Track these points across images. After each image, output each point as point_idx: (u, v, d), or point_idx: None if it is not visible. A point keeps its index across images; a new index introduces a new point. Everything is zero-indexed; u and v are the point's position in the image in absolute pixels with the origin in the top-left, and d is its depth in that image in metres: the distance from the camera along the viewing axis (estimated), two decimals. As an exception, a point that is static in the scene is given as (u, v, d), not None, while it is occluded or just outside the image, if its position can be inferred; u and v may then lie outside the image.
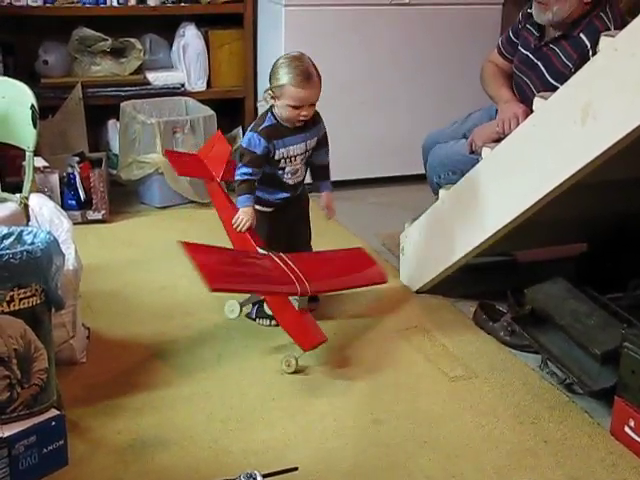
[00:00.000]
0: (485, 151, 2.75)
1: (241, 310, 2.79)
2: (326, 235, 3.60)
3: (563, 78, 2.54)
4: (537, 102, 2.47)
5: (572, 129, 2.25)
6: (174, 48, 4.29)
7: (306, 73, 2.61)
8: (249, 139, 2.69)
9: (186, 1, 4.15)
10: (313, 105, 2.67)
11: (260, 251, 2.71)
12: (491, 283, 3.12)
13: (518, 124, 2.76)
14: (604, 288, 2.67)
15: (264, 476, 1.83)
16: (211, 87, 4.31)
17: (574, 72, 2.36)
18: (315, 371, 2.58)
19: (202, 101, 4.13)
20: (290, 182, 2.79)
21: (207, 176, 3.04)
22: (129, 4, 4.05)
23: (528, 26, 3.04)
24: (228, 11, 4.24)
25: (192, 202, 3.96)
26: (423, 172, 3.36)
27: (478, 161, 2.77)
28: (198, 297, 2.91)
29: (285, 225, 2.85)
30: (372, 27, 4.09)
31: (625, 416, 2.25)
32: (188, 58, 4.21)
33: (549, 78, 2.90)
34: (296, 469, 1.97)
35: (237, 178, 2.71)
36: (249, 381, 2.52)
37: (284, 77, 2.61)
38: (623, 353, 2.27)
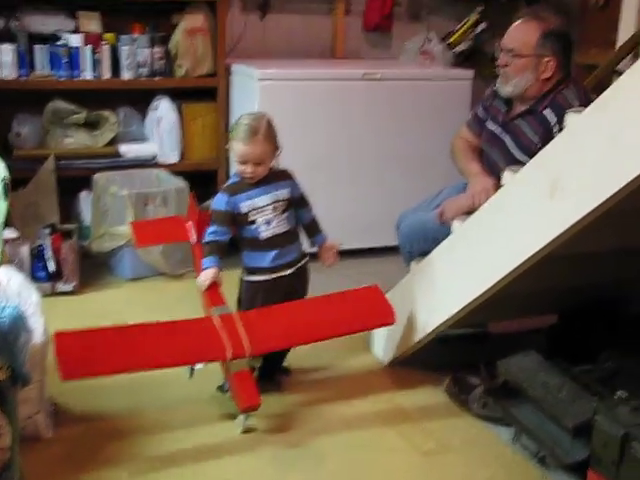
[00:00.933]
0: (455, 224, 2.77)
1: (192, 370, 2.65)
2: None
3: (530, 153, 2.59)
4: (506, 176, 2.50)
5: (541, 203, 2.28)
6: (148, 121, 4.32)
7: (251, 130, 2.65)
8: (215, 198, 2.76)
9: (160, 75, 4.18)
10: (259, 164, 2.69)
11: (213, 312, 2.66)
12: (463, 355, 3.11)
13: (488, 197, 2.79)
14: (575, 360, 2.67)
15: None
16: (184, 159, 4.33)
17: (540, 147, 2.41)
18: (285, 446, 2.54)
19: (175, 173, 4.14)
20: (268, 234, 2.75)
21: (179, 239, 3.14)
22: (103, 78, 4.08)
23: (496, 102, 3.10)
24: (202, 85, 4.29)
25: (163, 274, 3.94)
26: (396, 244, 3.38)
27: (450, 229, 2.80)
28: (171, 371, 2.87)
29: (279, 299, 2.78)
30: (345, 101, 4.16)
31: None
32: (161, 131, 4.24)
33: (516, 153, 2.95)
34: None
35: (204, 241, 2.76)
36: (225, 464, 2.48)
37: (233, 132, 2.71)
38: (595, 426, 2.26)
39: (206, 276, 2.70)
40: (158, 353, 2.51)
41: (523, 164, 2.47)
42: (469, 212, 2.79)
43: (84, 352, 2.45)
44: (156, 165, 4.23)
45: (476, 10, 4.95)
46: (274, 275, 2.78)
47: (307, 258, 2.90)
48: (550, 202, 2.24)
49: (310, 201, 2.89)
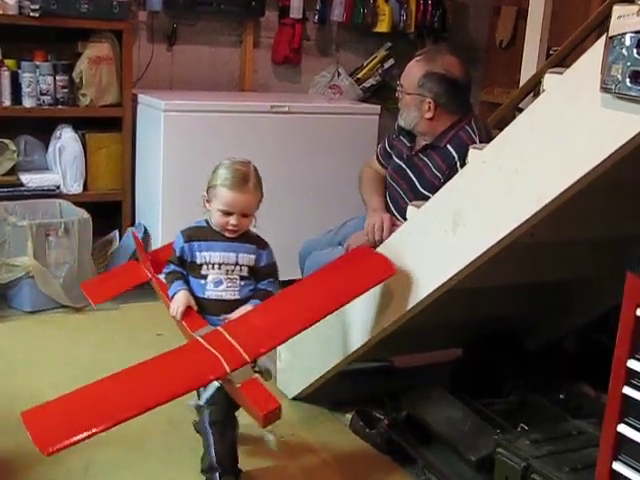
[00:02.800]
0: (360, 258, 2.77)
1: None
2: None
3: (433, 188, 2.62)
4: (410, 211, 2.52)
5: (444, 237, 2.30)
6: (50, 150, 4.21)
7: (242, 177, 2.39)
8: (176, 237, 2.49)
9: (63, 104, 4.09)
10: (246, 216, 2.41)
11: (200, 332, 2.29)
12: (368, 389, 3.10)
13: (383, 230, 2.84)
14: (479, 393, 2.69)
15: None
16: (88, 190, 4.23)
17: (444, 182, 2.44)
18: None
19: (78, 204, 4.05)
20: (212, 295, 2.42)
21: (137, 282, 2.85)
22: (3, 105, 3.97)
23: (401, 137, 3.14)
24: (107, 115, 4.21)
25: (64, 307, 3.82)
26: (300, 278, 3.36)
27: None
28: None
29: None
30: (252, 133, 4.13)
31: None
32: (64, 160, 4.14)
33: (420, 188, 2.99)
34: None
35: (164, 272, 2.50)
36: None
37: (218, 178, 2.41)
38: (497, 459, 2.28)
39: (177, 302, 2.38)
40: (150, 392, 2.11)
41: (427, 199, 2.50)
42: (373, 247, 2.81)
43: (61, 419, 2.04)
44: (59, 195, 4.13)
45: (384, 46, 5.03)
46: None
47: None
48: (452, 237, 2.27)
49: (276, 278, 2.53)
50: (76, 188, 4.19)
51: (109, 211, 4.26)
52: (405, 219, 2.57)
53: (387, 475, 2.61)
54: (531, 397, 2.71)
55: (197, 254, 2.43)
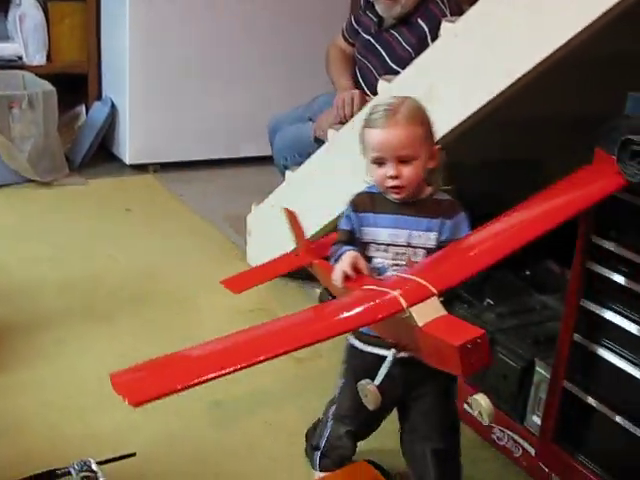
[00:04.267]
0: (330, 133, 2.75)
1: None
2: (171, 219, 3.55)
3: (404, 63, 2.58)
4: (381, 85, 2.48)
5: (415, 111, 2.28)
6: (10, 18, 4.08)
7: (389, 110, 1.72)
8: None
9: (24, -31, 3.94)
10: (406, 162, 1.71)
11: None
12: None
13: (354, 105, 2.80)
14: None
15: (100, 463, 1.76)
16: (51, 61, 4.12)
17: (414, 57, 2.40)
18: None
19: (42, 76, 3.94)
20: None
21: (289, 268, 2.38)
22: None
23: (368, 12, 3.06)
24: (70, -17, 4.06)
25: (31, 181, 3.78)
26: (271, 154, 3.34)
27: (324, 143, 2.78)
28: (37, 279, 2.78)
29: (395, 394, 1.77)
30: (221, 2, 4.02)
31: (466, 395, 2.31)
32: (25, 29, 4.00)
33: (391, 63, 2.94)
34: (134, 454, 1.90)
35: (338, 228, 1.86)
36: (89, 365, 2.43)
37: (364, 120, 1.79)
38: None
39: (341, 263, 1.70)
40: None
41: (398, 74, 2.46)
42: (342, 124, 2.78)
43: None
44: (21, 67, 4.01)
45: None
46: (373, 350, 1.76)
47: None
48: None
49: None
50: (39, 59, 4.07)
51: (75, 85, 4.16)
52: (376, 94, 2.54)
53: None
54: (497, 273, 2.74)
55: (364, 229, 1.78)
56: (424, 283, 1.50)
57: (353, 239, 1.76)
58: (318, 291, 2.94)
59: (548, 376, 2.03)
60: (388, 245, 1.75)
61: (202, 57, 4.06)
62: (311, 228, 2.82)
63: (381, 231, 1.76)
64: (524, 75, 1.96)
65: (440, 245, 1.71)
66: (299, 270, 2.29)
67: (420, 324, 1.46)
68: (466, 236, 1.72)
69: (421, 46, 2.54)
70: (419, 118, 1.74)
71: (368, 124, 1.75)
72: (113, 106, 4.10)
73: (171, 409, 2.23)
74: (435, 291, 1.49)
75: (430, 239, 1.73)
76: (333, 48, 3.23)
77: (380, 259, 1.75)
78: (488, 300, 2.50)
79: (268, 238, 3.04)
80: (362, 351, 1.79)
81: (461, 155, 2.36)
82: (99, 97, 4.21)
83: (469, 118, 2.14)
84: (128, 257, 3.17)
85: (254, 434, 2.18)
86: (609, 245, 1.80)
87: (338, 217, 2.67)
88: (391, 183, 1.72)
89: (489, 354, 1.47)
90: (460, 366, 1.42)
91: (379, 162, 1.73)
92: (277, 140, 3.23)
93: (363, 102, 2.83)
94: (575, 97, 2.26)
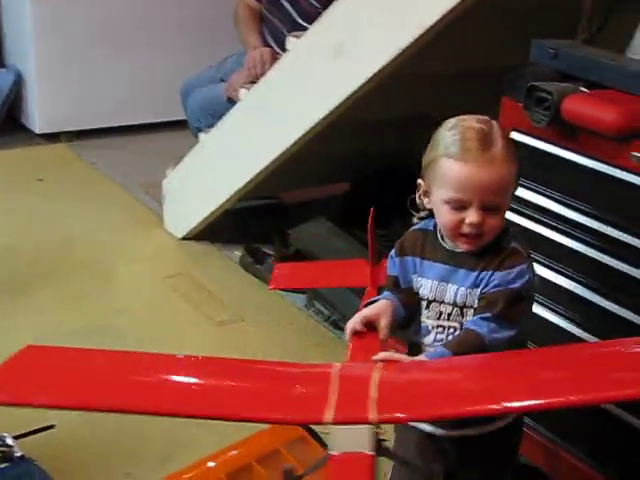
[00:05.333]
0: (242, 92, 2.71)
1: None
2: (86, 187, 3.48)
3: (311, 18, 2.55)
4: (289, 42, 2.45)
5: (325, 67, 2.27)
6: None
7: (481, 138, 1.32)
8: None
9: None
10: (494, 212, 1.33)
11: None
12: (257, 226, 3.10)
13: (265, 67, 2.76)
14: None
15: (16, 437, 1.71)
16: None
17: (322, 12, 2.38)
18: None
19: None
20: (425, 343, 1.43)
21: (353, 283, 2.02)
22: None
23: None
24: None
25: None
26: (185, 118, 3.28)
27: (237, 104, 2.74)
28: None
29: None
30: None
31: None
32: None
33: (298, 19, 2.91)
34: (53, 427, 1.86)
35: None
36: (5, 340, 2.37)
37: (440, 145, 1.37)
38: (382, 286, 2.33)
39: (356, 316, 1.41)
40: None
41: (306, 30, 2.44)
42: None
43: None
44: None
45: None
46: (426, 428, 1.45)
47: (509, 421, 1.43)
48: (334, 65, 2.23)
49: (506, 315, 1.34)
50: None
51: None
52: (285, 51, 2.51)
53: (278, 309, 2.65)
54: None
55: (413, 277, 1.43)
56: (370, 401, 1.13)
57: (399, 287, 1.44)
58: (238, 254, 2.92)
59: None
60: (432, 302, 1.40)
61: (112, 21, 3.94)
62: (225, 190, 2.80)
63: (425, 282, 1.41)
64: (434, 24, 1.96)
65: (480, 298, 1.35)
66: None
67: (330, 451, 1.10)
68: (492, 356, 1.30)
69: (328, 1, 2.51)
70: (513, 152, 1.35)
71: (448, 153, 1.33)
72: (18, 74, 3.96)
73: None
74: (373, 419, 1.11)
75: (478, 296, 1.36)
76: (241, 5, 3.17)
77: (424, 317, 1.42)
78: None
79: (185, 202, 3.00)
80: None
81: (370, 113, 2.37)
82: (2, 65, 4.05)
83: (379, 72, 2.12)
84: (43, 228, 3.09)
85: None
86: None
87: (254, 178, 2.67)
88: (470, 231, 1.33)
89: None
90: None
91: (457, 204, 1.33)
92: (190, 103, 3.17)
93: (273, 60, 2.79)
94: (483, 49, 2.27)
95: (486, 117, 1.36)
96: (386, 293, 1.44)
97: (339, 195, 3.21)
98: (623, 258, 1.56)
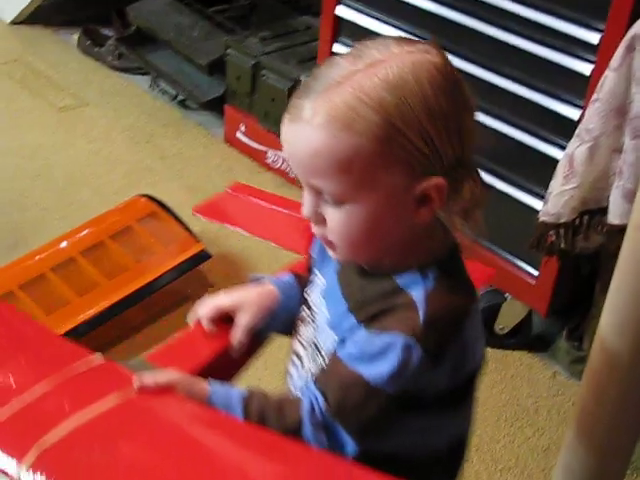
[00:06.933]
0: None
1: None
2: None
3: None
4: None
5: None
6: None
7: (310, 79, 0.78)
8: None
9: None
10: (334, 203, 0.78)
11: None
12: (94, 6, 2.92)
13: None
14: (210, 1, 2.62)
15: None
16: None
17: None
18: None
19: None
20: (290, 368, 0.94)
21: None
22: None
23: None
24: None
25: None
26: None
27: None
28: None
29: None
30: None
31: (236, 122, 2.31)
32: None
33: None
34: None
35: None
36: None
37: None
38: (227, 61, 2.28)
39: (217, 303, 0.96)
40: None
41: None
42: None
43: None
44: None
45: None
46: None
47: None
48: None
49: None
50: None
51: None
52: None
53: (122, 91, 2.56)
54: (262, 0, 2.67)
55: (314, 270, 0.95)
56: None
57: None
58: (76, 37, 2.77)
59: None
60: (299, 321, 0.93)
61: None
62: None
63: (318, 282, 0.91)
64: None
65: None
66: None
67: None
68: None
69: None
70: (364, 119, 0.74)
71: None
72: None
73: None
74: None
75: (334, 341, 0.84)
76: None
77: (296, 335, 0.94)
78: (253, 27, 2.44)
79: None
80: None
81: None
82: None
83: None
84: None
85: (24, 188, 2.10)
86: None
87: None
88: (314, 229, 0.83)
89: None
90: None
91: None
92: None
93: None
94: None
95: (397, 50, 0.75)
96: (290, 277, 0.98)
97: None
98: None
